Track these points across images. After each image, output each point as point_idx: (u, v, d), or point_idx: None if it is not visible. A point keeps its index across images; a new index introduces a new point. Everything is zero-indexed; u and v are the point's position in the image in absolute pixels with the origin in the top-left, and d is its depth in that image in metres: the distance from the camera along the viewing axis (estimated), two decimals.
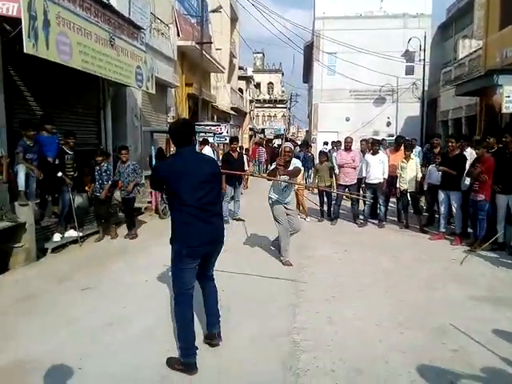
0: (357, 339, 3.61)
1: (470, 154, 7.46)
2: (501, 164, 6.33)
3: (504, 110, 9.61)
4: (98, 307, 4.30)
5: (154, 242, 6.94)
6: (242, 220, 8.93)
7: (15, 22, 5.44)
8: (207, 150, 9.56)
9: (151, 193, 9.68)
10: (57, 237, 6.60)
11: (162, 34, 12.61)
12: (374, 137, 14.50)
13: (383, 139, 12.59)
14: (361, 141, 10.23)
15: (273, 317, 4.07)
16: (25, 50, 5.24)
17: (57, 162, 6.69)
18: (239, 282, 5.07)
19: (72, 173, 6.82)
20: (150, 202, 9.88)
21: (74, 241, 6.82)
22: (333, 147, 13.69)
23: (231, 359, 3.28)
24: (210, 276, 3.50)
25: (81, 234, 6.88)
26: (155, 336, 3.67)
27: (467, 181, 6.87)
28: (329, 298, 4.57)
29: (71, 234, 6.84)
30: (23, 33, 5.20)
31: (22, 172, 5.94)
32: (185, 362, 3.09)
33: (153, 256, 6.07)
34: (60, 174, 6.61)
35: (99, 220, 7.27)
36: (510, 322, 3.95)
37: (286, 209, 5.83)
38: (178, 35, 14.58)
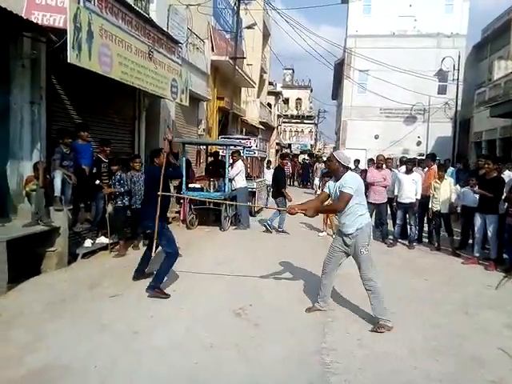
0: (389, 364, 3.48)
1: (508, 176, 7.23)
2: None
3: None
4: (125, 315, 4.32)
5: (181, 252, 6.96)
6: (286, 233, 9.21)
7: (60, 32, 5.67)
8: (239, 165, 9.64)
9: (180, 203, 9.79)
10: (88, 243, 6.73)
11: (198, 48, 12.89)
12: (404, 155, 14.26)
13: (415, 158, 12.34)
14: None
15: (302, 335, 3.99)
16: (69, 60, 5.43)
17: (94, 170, 6.86)
18: (267, 295, 5.02)
19: (107, 181, 6.96)
20: (178, 213, 9.98)
21: (105, 247, 6.94)
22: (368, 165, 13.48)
23: (259, 377, 3.22)
24: None
25: (111, 241, 6.98)
26: (182, 347, 3.64)
27: (505, 205, 6.64)
28: (357, 318, 4.46)
29: (102, 240, 6.96)
30: (68, 43, 5.39)
31: (58, 178, 6.09)
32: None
33: (180, 266, 6.09)
34: (98, 181, 6.78)
35: (120, 229, 7.08)
36: None
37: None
38: (213, 50, 14.87)
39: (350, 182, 4.13)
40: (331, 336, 3.98)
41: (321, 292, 4.59)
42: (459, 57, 21.62)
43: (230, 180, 9.42)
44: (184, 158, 9.40)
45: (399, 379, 3.25)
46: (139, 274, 5.42)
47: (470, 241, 7.77)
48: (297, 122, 51.57)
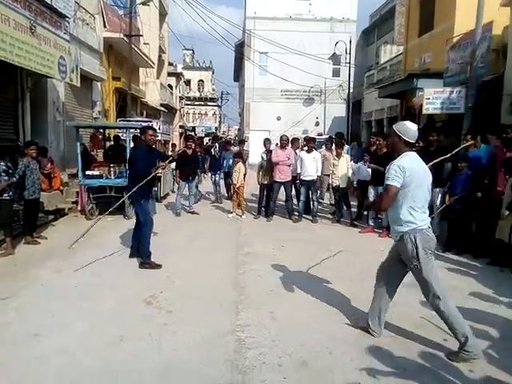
0: (300, 332, 3.64)
1: None
2: (424, 161, 6.79)
3: (424, 111, 10.35)
4: (22, 318, 3.89)
5: (81, 243, 6.50)
6: (196, 213, 9.37)
7: None
8: None
9: (77, 192, 9.07)
10: None
11: (88, 24, 11.86)
12: (307, 135, 14.91)
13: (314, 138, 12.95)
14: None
15: (216, 315, 3.98)
16: None
17: None
18: (180, 280, 4.91)
19: None
20: (75, 203, 9.26)
21: None
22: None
23: (176, 360, 3.15)
24: None
25: None
26: (89, 345, 3.40)
27: None
28: (269, 293, 4.58)
29: None
30: None
31: None
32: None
33: (82, 260, 5.66)
34: None
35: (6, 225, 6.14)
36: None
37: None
38: (105, 26, 13.82)
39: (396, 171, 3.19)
40: (245, 313, 4.04)
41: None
42: (350, 41, 23.03)
43: None
44: (79, 144, 8.67)
45: (309, 345, 3.41)
46: (134, 251, 5.73)
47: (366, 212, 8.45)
48: (200, 105, 50.88)
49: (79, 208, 8.98)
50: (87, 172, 8.73)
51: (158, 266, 5.43)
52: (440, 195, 6.79)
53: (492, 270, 5.55)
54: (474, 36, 8.93)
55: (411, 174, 3.18)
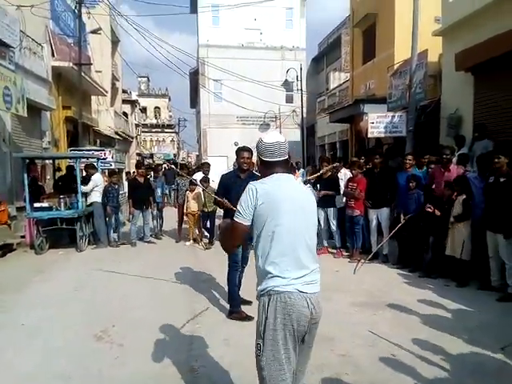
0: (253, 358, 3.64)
1: (345, 174, 8.22)
2: (370, 182, 7.13)
3: (369, 135, 10.88)
4: None
5: (33, 278, 6.25)
6: (152, 242, 9.38)
7: None
8: (97, 178, 9.03)
9: (25, 226, 8.70)
10: None
11: (35, 53, 11.67)
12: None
13: None
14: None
15: (170, 346, 3.91)
16: None
17: None
18: (131, 314, 4.79)
19: None
20: (23, 237, 8.86)
21: None
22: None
23: None
24: None
25: None
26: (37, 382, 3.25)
27: (344, 199, 7.57)
28: (225, 319, 4.58)
29: None
30: None
31: None
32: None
33: (32, 295, 5.42)
34: None
35: None
36: (388, 323, 4.40)
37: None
38: (53, 55, 13.63)
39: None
40: (200, 341, 4.00)
41: None
42: (301, 68, 23.92)
43: (85, 195, 8.78)
44: (26, 175, 8.37)
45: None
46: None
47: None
48: (157, 132, 50.69)
49: (28, 242, 8.61)
50: (36, 204, 8.40)
51: (248, 318, 4.44)
52: (386, 214, 7.09)
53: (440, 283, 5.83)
54: (411, 63, 9.59)
55: (264, 202, 2.08)
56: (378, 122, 10.35)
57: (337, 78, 21.22)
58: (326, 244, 7.95)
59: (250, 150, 4.68)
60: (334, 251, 7.75)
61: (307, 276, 2.13)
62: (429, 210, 5.97)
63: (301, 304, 2.06)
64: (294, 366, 2.10)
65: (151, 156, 45.18)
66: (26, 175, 8.37)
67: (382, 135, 10.75)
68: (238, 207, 2.13)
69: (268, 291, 2.07)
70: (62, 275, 6.64)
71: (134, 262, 7.53)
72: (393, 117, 10.28)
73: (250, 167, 4.89)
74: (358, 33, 15.76)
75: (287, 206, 2.09)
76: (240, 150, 4.77)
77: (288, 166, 2.37)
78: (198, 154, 39.84)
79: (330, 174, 7.64)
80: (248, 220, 2.10)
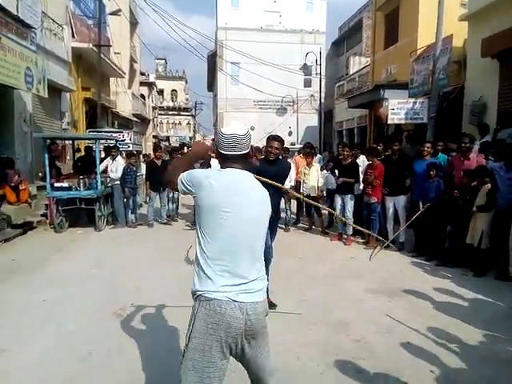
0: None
1: (363, 161, 8.14)
2: (388, 169, 7.03)
3: (389, 121, 10.70)
4: None
5: (52, 256, 6.40)
6: (169, 224, 9.47)
7: None
8: (120, 160, 9.22)
9: (46, 205, 8.90)
10: None
11: (55, 34, 11.73)
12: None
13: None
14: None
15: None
16: None
17: None
18: (148, 294, 4.89)
19: None
20: (44, 215, 9.07)
21: None
22: None
23: (140, 373, 3.15)
24: None
25: None
26: (53, 360, 3.36)
27: (361, 186, 7.50)
28: None
29: None
30: None
31: None
32: None
33: (51, 273, 5.57)
34: None
35: None
36: (403, 309, 4.40)
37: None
38: (73, 36, 13.69)
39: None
40: None
41: None
42: (320, 52, 23.55)
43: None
44: (47, 155, 8.53)
45: (279, 351, 3.47)
46: None
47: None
48: (174, 114, 50.73)
49: (48, 221, 8.81)
50: (56, 184, 8.57)
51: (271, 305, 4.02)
52: (403, 202, 7.02)
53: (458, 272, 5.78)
54: (435, 49, 9.33)
55: (200, 189, 1.92)
56: (398, 109, 10.16)
57: (357, 63, 20.78)
58: (341, 231, 7.91)
59: (281, 141, 4.44)
60: (345, 237, 7.71)
61: (245, 285, 1.90)
62: (456, 194, 5.86)
63: (231, 314, 1.84)
64: (223, 375, 1.92)
65: (167, 138, 45.35)
66: (46, 155, 8.51)
67: (403, 122, 10.56)
68: (191, 172, 1.98)
69: (198, 296, 1.91)
70: (80, 254, 6.79)
71: (150, 242, 7.66)
72: (414, 103, 10.08)
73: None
74: (380, 16, 15.38)
75: (231, 207, 1.89)
76: (271, 139, 4.43)
77: (247, 161, 2.12)
78: (213, 137, 39.82)
79: (349, 160, 7.57)
80: (184, 187, 1.97)
